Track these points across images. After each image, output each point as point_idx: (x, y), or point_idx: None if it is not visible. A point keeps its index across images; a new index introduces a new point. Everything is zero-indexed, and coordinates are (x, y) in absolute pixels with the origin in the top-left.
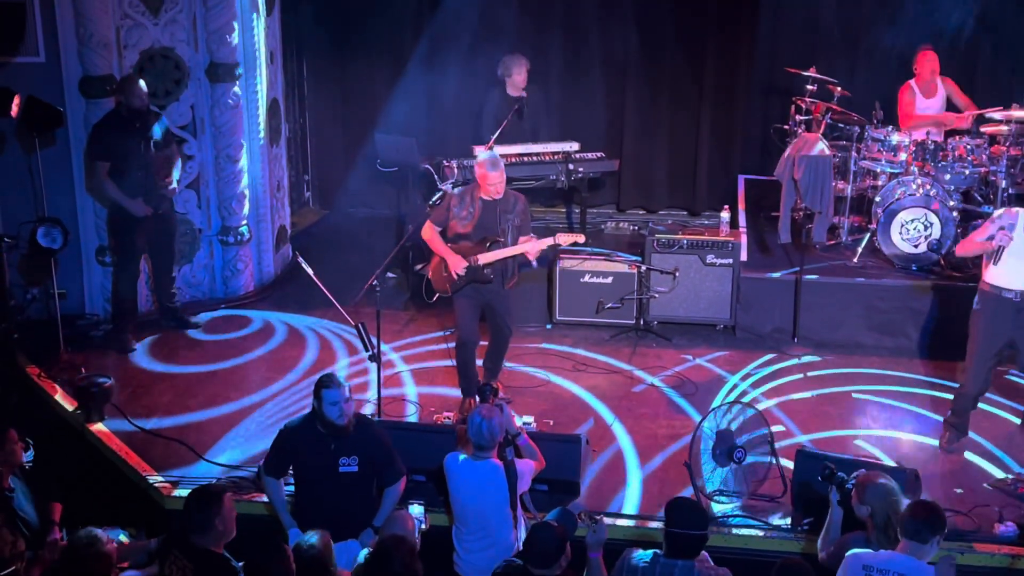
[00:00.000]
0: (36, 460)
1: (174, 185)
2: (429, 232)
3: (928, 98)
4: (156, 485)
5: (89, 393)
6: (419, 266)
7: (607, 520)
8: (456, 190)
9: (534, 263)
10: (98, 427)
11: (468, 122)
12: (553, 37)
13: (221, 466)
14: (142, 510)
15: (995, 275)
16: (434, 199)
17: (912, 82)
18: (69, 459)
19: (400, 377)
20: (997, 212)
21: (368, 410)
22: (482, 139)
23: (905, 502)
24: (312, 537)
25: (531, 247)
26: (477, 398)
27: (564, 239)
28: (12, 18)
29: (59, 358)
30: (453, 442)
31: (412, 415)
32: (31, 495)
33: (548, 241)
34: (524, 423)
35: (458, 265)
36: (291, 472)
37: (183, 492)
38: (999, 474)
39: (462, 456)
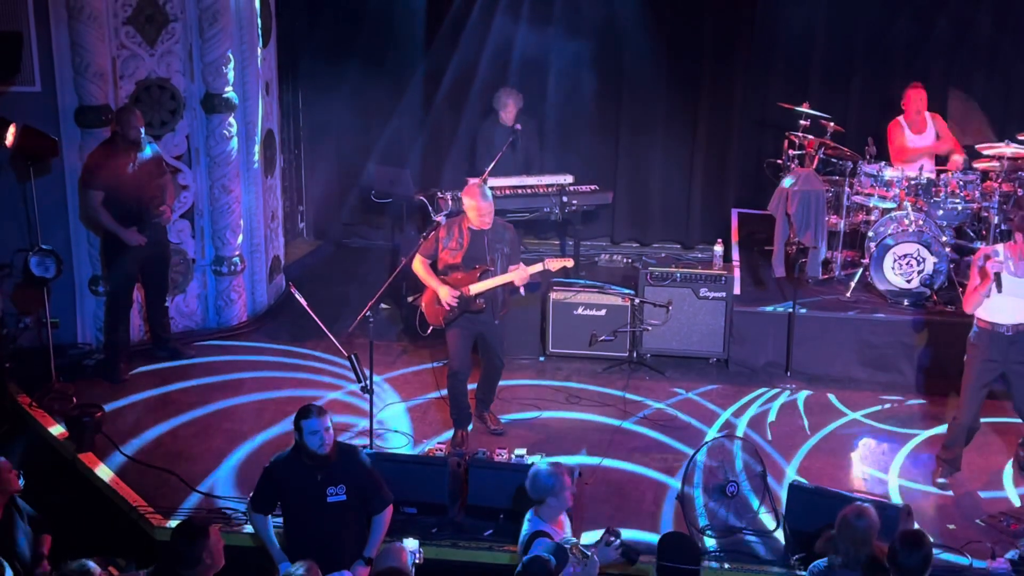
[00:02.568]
0: (27, 491)
1: (168, 215)
2: (419, 265)
3: (917, 133)
4: (146, 516)
5: (80, 423)
6: (411, 297)
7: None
8: (444, 222)
9: (522, 290)
10: (88, 457)
11: (463, 153)
12: (548, 70)
13: (212, 497)
14: (132, 541)
15: (988, 311)
16: (428, 230)
17: (901, 119)
18: (59, 489)
19: (392, 408)
20: (977, 256)
21: (360, 441)
22: (476, 168)
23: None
24: (299, 568)
25: (520, 274)
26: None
27: (553, 264)
28: (9, 47)
29: (51, 387)
30: (445, 474)
31: (404, 447)
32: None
33: (538, 267)
34: (517, 455)
35: (450, 296)
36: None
37: (173, 523)
38: (992, 510)
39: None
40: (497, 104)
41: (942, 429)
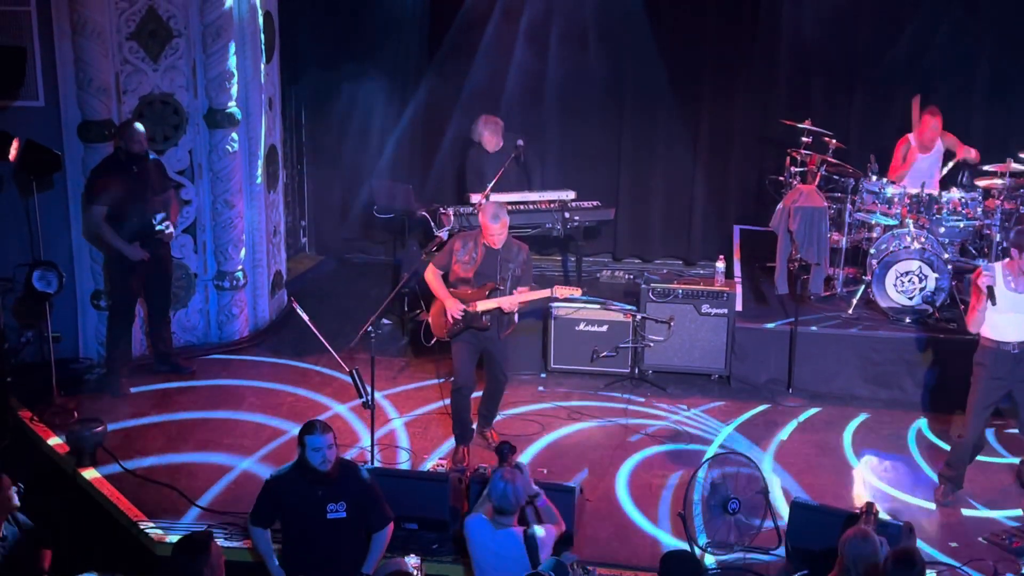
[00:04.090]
0: (27, 506)
1: (170, 230)
2: (431, 275)
3: (924, 153)
4: (147, 531)
5: (81, 437)
6: (416, 311)
7: (600, 571)
8: (461, 234)
9: (515, 317)
10: (90, 472)
11: (458, 175)
12: (549, 86)
13: (212, 512)
14: (133, 556)
15: (993, 329)
16: (430, 246)
17: (911, 137)
18: (60, 504)
19: (393, 424)
20: (975, 275)
21: (357, 455)
22: (466, 195)
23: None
24: None
25: (524, 298)
26: (497, 459)
27: (561, 291)
28: (12, 62)
29: (52, 402)
30: (447, 490)
31: (405, 462)
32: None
33: (545, 292)
34: None
35: (456, 309)
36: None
37: (174, 538)
38: (995, 527)
39: (484, 520)
40: (474, 136)
41: (944, 446)
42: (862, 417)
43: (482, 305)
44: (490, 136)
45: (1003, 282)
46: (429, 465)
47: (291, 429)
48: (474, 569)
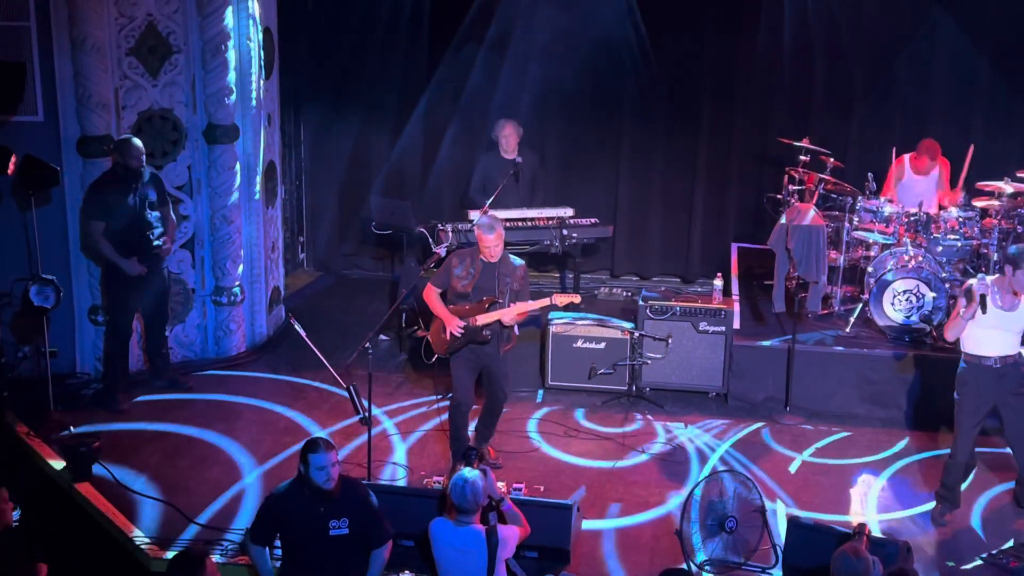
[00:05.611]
0: (22, 520)
1: (167, 245)
2: (430, 294)
3: (918, 175)
4: (143, 547)
5: (77, 452)
6: (414, 327)
7: None
8: (458, 252)
9: (516, 329)
10: (86, 487)
11: (462, 185)
12: (549, 103)
13: (209, 528)
14: (129, 572)
15: (974, 344)
16: (428, 262)
17: (907, 159)
18: (56, 519)
19: (390, 440)
20: (964, 287)
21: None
22: (471, 199)
23: None
24: None
25: (508, 313)
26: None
27: (560, 299)
28: (12, 77)
29: (49, 417)
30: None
31: (401, 479)
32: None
33: (544, 302)
34: (515, 489)
35: (455, 327)
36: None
37: (171, 554)
38: (991, 547)
39: (446, 521)
40: (497, 132)
41: (941, 466)
42: (859, 435)
43: (482, 319)
44: (514, 134)
45: (990, 297)
46: (426, 481)
47: (289, 444)
48: (438, 571)
